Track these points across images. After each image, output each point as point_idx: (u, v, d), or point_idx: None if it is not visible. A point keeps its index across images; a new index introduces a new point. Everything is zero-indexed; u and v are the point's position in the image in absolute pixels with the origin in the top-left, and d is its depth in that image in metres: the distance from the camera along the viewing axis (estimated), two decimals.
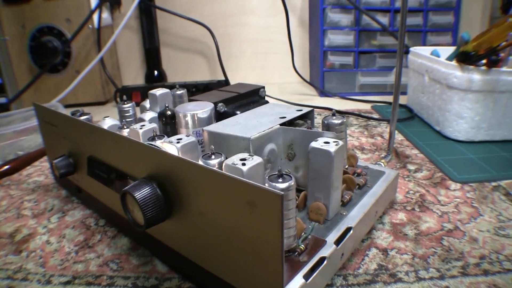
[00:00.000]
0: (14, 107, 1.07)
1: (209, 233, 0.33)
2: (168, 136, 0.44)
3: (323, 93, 1.16)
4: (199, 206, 0.33)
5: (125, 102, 0.64)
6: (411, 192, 0.59)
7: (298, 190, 0.44)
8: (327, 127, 0.52)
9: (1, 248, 0.48)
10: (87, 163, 0.48)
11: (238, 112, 0.55)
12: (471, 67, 0.75)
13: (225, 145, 0.44)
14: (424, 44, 1.15)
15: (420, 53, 0.91)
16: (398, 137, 0.83)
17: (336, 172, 0.41)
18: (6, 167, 0.69)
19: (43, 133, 0.59)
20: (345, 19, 1.11)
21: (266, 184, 0.32)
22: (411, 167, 0.69)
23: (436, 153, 0.73)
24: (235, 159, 0.36)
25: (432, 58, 0.85)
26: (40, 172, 0.71)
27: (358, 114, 0.95)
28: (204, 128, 0.46)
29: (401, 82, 0.65)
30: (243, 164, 0.35)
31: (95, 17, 1.06)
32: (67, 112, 0.57)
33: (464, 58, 0.77)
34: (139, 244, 0.47)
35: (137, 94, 1.10)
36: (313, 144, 0.41)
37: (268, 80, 1.36)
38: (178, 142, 0.41)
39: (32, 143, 0.79)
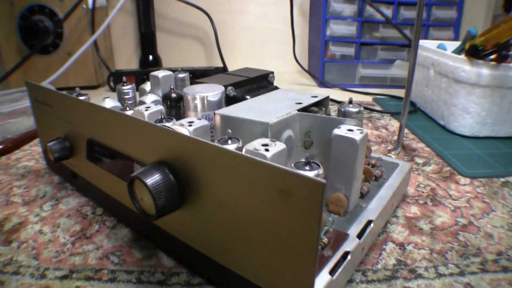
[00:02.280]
0: (0, 89, 1.01)
1: (229, 225, 0.30)
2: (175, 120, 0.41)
3: (322, 83, 1.14)
4: (219, 194, 0.30)
5: (125, 84, 0.60)
6: (422, 185, 0.58)
7: None
8: (343, 115, 0.49)
9: None
10: (86, 147, 0.44)
11: (248, 96, 0.51)
12: (480, 61, 0.73)
13: (239, 130, 0.41)
14: (426, 38, 1.13)
15: (426, 46, 0.89)
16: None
17: (360, 161, 0.38)
18: None
19: (36, 114, 0.55)
20: (348, 9, 1.08)
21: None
22: (419, 160, 0.67)
23: (443, 147, 0.72)
24: (256, 144, 0.33)
25: (439, 52, 0.83)
26: (30, 156, 0.66)
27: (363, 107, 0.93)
28: (216, 111, 0.43)
29: (414, 77, 0.62)
30: (266, 150, 0.32)
31: None
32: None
33: (473, 52, 0.75)
34: (142, 235, 0.43)
35: (131, 79, 1.06)
36: (337, 131, 0.38)
37: (265, 69, 1.32)
38: (190, 125, 0.38)
39: (20, 126, 0.75)
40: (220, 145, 0.30)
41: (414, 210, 0.51)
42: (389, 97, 1.03)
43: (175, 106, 0.51)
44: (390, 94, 1.04)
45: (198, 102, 0.45)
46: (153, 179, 0.31)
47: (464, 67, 0.74)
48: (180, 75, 0.67)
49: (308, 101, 0.47)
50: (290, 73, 1.33)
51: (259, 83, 0.57)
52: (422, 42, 0.95)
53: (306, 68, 1.29)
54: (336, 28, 1.08)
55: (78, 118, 0.45)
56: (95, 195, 0.49)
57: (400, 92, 1.09)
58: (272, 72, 0.59)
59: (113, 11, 0.98)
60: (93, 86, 1.09)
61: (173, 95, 0.51)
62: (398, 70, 1.13)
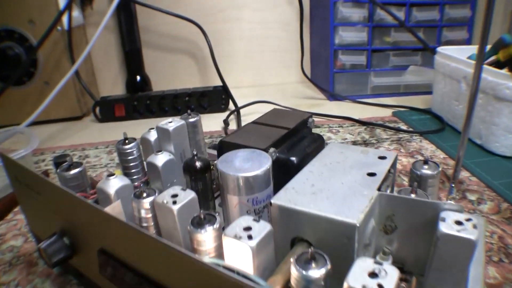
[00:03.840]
0: None
1: None
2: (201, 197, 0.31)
3: (333, 96, 1.04)
4: None
5: (126, 141, 0.48)
6: (487, 233, 0.50)
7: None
8: (418, 179, 0.39)
9: None
10: (99, 259, 0.33)
11: (293, 158, 0.41)
12: None
13: (309, 228, 0.31)
14: (439, 41, 1.04)
15: (454, 56, 0.80)
16: (437, 152, 0.72)
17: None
18: None
19: (19, 195, 0.43)
20: (357, 14, 0.98)
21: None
22: (471, 196, 0.59)
23: (489, 174, 0.64)
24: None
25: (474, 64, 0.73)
26: (17, 230, 0.54)
27: (387, 126, 0.83)
28: (273, 201, 0.32)
29: (473, 113, 0.52)
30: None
31: (64, 16, 0.88)
32: (38, 138, 0.41)
33: None
34: None
35: (121, 107, 0.94)
36: (444, 228, 0.29)
37: (265, 81, 1.22)
38: (250, 238, 0.27)
39: None
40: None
41: (492, 272, 0.43)
42: (410, 110, 0.94)
43: (201, 178, 0.40)
44: (410, 106, 0.95)
45: (242, 183, 0.34)
46: None
47: (509, 83, 0.65)
48: (191, 119, 0.56)
49: (380, 168, 0.36)
50: (294, 84, 1.22)
51: (299, 133, 0.46)
52: (444, 49, 0.86)
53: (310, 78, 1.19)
54: (345, 36, 0.98)
55: (80, 218, 0.33)
56: None
57: (417, 101, 1.00)
58: (311, 115, 0.48)
59: (96, 33, 0.85)
60: (77, 117, 0.96)
61: (198, 164, 0.40)
62: (412, 76, 1.04)
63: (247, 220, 0.29)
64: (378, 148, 0.74)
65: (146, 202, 0.35)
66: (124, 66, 1.09)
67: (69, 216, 0.35)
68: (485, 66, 0.72)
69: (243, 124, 0.88)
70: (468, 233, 0.29)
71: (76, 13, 0.96)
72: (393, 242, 0.36)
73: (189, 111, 0.57)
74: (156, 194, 0.36)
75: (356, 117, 0.89)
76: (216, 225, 0.30)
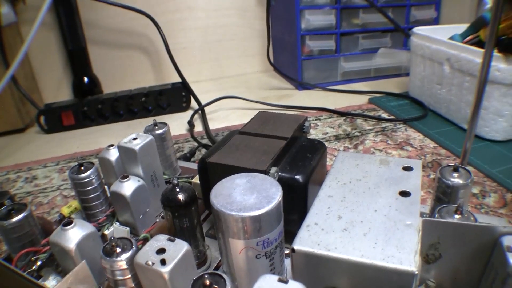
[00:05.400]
0: None
1: None
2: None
3: (301, 85, 0.97)
4: None
5: (82, 168, 0.39)
6: None
7: None
8: (449, 189, 0.33)
9: None
10: None
11: (298, 176, 0.33)
12: None
13: (347, 277, 0.23)
14: (408, 21, 0.99)
15: (434, 37, 0.75)
16: (426, 141, 0.68)
17: None
18: None
19: None
20: None
21: None
22: (474, 189, 0.55)
23: (485, 162, 0.60)
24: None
25: (459, 45, 0.69)
26: None
27: (368, 116, 0.78)
28: (296, 247, 0.24)
29: (479, 112, 0.48)
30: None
31: None
32: None
33: (509, 46, 0.62)
34: None
35: (69, 115, 0.82)
36: None
37: (226, 72, 1.13)
38: None
39: None
40: None
41: None
42: (386, 95, 0.89)
43: (187, 214, 0.32)
44: (386, 92, 0.90)
45: (249, 225, 0.26)
46: None
47: (499, 65, 0.61)
48: (159, 131, 0.47)
49: (412, 184, 0.30)
50: (257, 74, 1.14)
51: (296, 142, 0.39)
52: (420, 29, 0.81)
53: (271, 67, 1.11)
54: (312, 19, 0.91)
55: None
56: None
57: (391, 85, 0.95)
58: (306, 118, 0.41)
59: (31, 32, 0.72)
60: (18, 129, 0.83)
61: (182, 197, 0.31)
62: (383, 58, 0.99)
63: (271, 283, 0.21)
64: (364, 142, 0.68)
65: (121, 261, 0.26)
66: (69, 67, 0.96)
67: None
68: (470, 47, 0.67)
69: (209, 124, 0.79)
70: None
71: (5, 9, 0.82)
72: (431, 271, 0.30)
73: (154, 120, 0.48)
74: (133, 247, 0.27)
75: (332, 107, 0.82)
76: None
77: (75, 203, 0.43)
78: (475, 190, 0.55)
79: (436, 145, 0.67)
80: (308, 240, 0.25)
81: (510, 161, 0.60)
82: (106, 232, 0.39)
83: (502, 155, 0.62)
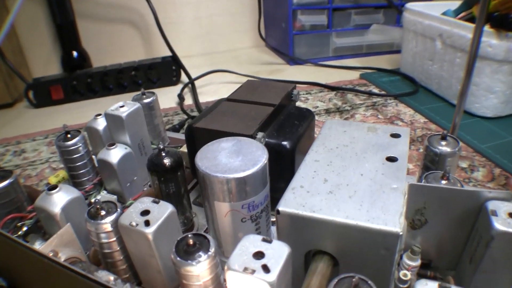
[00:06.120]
0: None
1: None
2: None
3: (293, 60, 0.96)
4: None
5: (69, 135, 0.38)
6: None
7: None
8: (437, 157, 0.33)
9: None
10: None
11: (285, 142, 0.33)
12: (511, 33, 0.60)
13: (333, 239, 0.24)
14: None
15: (427, 12, 0.74)
16: (416, 116, 0.68)
17: None
18: None
19: None
20: None
21: None
22: (463, 164, 0.56)
23: (475, 138, 0.61)
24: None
25: (452, 21, 0.68)
26: None
27: (358, 90, 0.77)
28: (281, 208, 0.24)
29: (469, 88, 0.48)
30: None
31: None
32: None
33: (501, 22, 0.61)
34: None
35: (58, 89, 0.81)
36: (499, 225, 0.23)
37: (216, 48, 1.12)
38: (267, 270, 0.19)
39: None
40: None
41: None
42: (377, 71, 0.88)
43: (173, 178, 0.31)
44: (377, 67, 0.89)
45: (234, 187, 0.26)
46: None
47: (491, 41, 0.61)
48: (147, 100, 0.46)
49: (399, 150, 0.30)
50: (248, 50, 1.13)
51: (285, 109, 0.38)
52: (414, 5, 0.80)
53: (262, 42, 1.10)
54: None
55: (12, 259, 0.24)
56: None
57: (383, 62, 0.95)
58: (295, 86, 0.40)
59: (16, 4, 0.70)
60: (7, 104, 0.82)
61: (167, 161, 0.31)
62: (375, 35, 0.98)
63: (255, 242, 0.21)
64: (354, 116, 0.68)
65: (106, 224, 0.26)
66: (58, 41, 0.94)
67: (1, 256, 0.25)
68: (463, 23, 0.66)
69: (200, 98, 0.78)
70: None
71: None
72: (417, 236, 0.30)
73: (142, 89, 0.47)
74: (118, 209, 0.26)
75: (323, 82, 0.82)
76: (211, 251, 0.22)
77: (62, 173, 0.43)
78: (464, 164, 0.55)
79: (426, 120, 0.67)
80: (293, 201, 0.25)
81: (499, 137, 0.61)
82: (93, 200, 0.39)
83: (491, 131, 0.63)
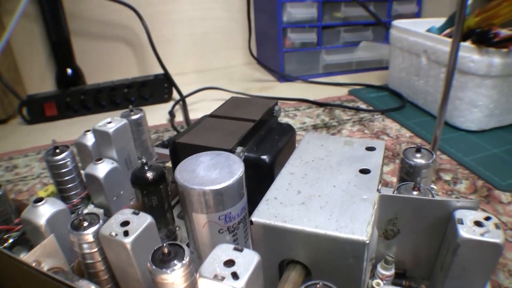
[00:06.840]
0: None
1: None
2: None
3: (283, 77, 0.98)
4: None
5: (57, 150, 0.39)
6: None
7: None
8: (412, 169, 0.34)
9: None
10: None
11: (264, 157, 0.34)
12: (491, 49, 0.62)
13: (304, 248, 0.25)
14: (389, 15, 1.01)
15: (412, 29, 0.76)
16: (402, 131, 0.69)
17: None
18: None
19: None
20: None
21: None
22: (446, 176, 0.57)
23: (459, 151, 0.62)
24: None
25: (435, 37, 0.70)
26: None
27: (346, 106, 0.79)
28: (254, 219, 0.25)
29: (447, 102, 0.50)
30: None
31: None
32: None
33: (482, 39, 0.64)
34: None
35: (51, 105, 0.82)
36: (465, 233, 0.25)
37: (209, 65, 1.14)
38: (236, 277, 0.20)
39: None
40: None
41: None
42: (366, 87, 0.90)
43: (155, 191, 0.33)
44: (365, 84, 0.91)
45: (211, 198, 0.27)
46: None
47: (473, 56, 0.63)
48: (134, 116, 0.47)
49: (373, 162, 0.31)
50: (240, 67, 1.15)
51: (266, 125, 0.40)
52: (400, 22, 0.82)
53: (253, 60, 1.12)
54: (294, 12, 0.92)
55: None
56: None
57: (372, 78, 0.97)
58: (276, 103, 0.42)
59: (13, 21, 0.72)
60: (1, 120, 0.83)
61: (150, 175, 0.32)
62: (364, 52, 1.01)
63: (227, 251, 0.22)
64: (341, 131, 0.69)
65: (88, 235, 0.27)
66: (52, 58, 0.96)
67: None
68: (445, 38, 0.69)
69: (190, 114, 0.80)
70: (493, 235, 0.24)
71: None
72: (391, 247, 0.31)
73: (131, 106, 0.49)
74: (100, 221, 0.28)
75: (311, 98, 0.84)
76: (186, 260, 0.23)
77: (51, 187, 0.44)
78: (447, 177, 0.56)
79: (412, 134, 0.68)
80: (266, 212, 0.26)
81: (483, 150, 0.62)
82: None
83: (475, 145, 0.64)
